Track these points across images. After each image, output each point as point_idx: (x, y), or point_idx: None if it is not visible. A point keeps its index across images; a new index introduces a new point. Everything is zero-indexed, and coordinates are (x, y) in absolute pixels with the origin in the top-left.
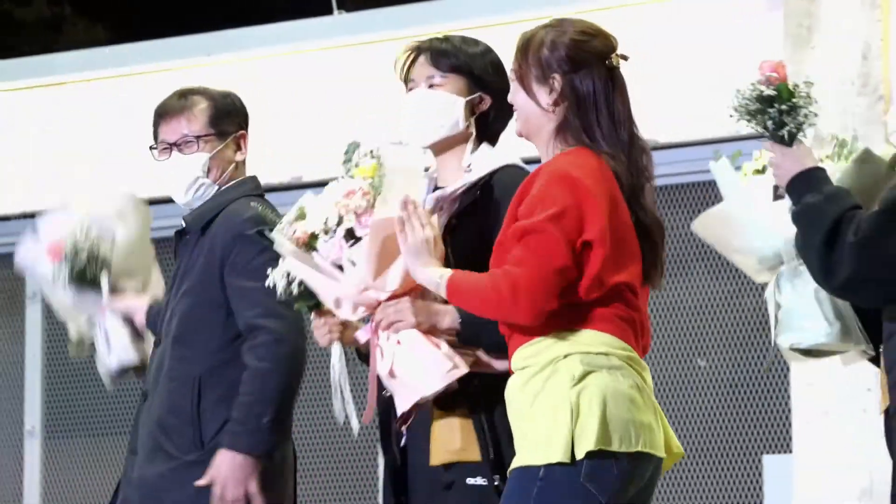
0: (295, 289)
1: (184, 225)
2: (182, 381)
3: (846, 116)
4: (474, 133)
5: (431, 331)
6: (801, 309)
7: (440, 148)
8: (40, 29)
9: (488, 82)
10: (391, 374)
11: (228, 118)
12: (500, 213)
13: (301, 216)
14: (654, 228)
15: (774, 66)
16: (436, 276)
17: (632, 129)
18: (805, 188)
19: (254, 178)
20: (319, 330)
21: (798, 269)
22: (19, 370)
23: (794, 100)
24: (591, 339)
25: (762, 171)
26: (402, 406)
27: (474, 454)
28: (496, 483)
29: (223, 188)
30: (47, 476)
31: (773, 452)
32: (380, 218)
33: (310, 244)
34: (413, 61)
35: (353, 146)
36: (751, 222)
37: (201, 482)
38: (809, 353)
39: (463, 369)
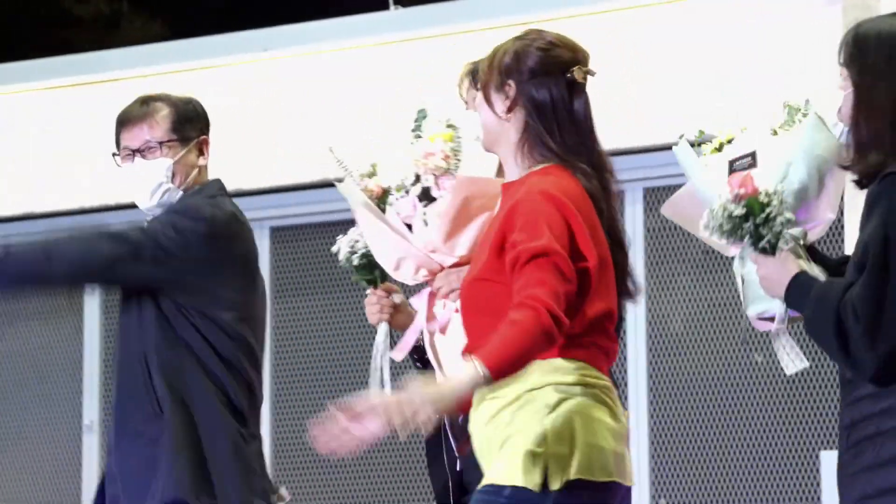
0: (356, 260)
1: None
2: (131, 363)
3: None
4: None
5: None
6: None
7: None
8: (98, 25)
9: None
10: (446, 342)
11: (190, 124)
12: None
13: (372, 173)
14: (624, 243)
15: (742, 180)
16: (470, 374)
17: (594, 143)
18: (799, 302)
19: (217, 181)
20: (371, 307)
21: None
22: (78, 366)
23: (767, 210)
24: (565, 368)
25: (719, 149)
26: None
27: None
28: None
29: (187, 193)
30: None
31: (831, 448)
32: (467, 176)
33: (382, 198)
34: (462, 83)
35: (422, 114)
36: (713, 199)
37: None
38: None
39: None
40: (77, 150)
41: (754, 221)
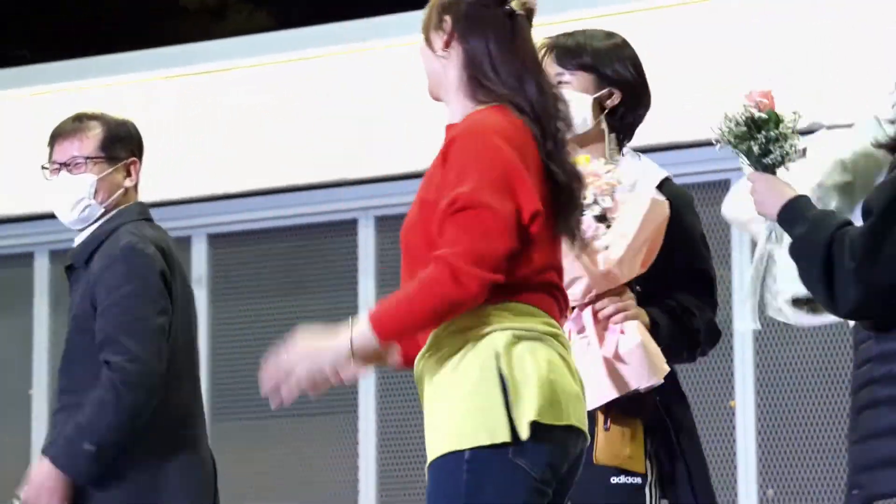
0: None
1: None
2: (69, 412)
3: None
4: (607, 129)
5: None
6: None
7: (574, 145)
8: (204, 16)
9: (618, 77)
10: (613, 359)
11: (121, 144)
12: (679, 224)
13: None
14: (573, 184)
15: (764, 93)
16: (358, 329)
17: (539, 77)
18: (792, 220)
19: (140, 205)
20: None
21: None
22: None
23: (781, 127)
24: (516, 312)
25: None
26: (608, 396)
27: (640, 466)
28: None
29: (109, 215)
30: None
31: None
32: (652, 198)
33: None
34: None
35: None
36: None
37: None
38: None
39: (665, 369)
40: (186, 140)
41: (766, 134)
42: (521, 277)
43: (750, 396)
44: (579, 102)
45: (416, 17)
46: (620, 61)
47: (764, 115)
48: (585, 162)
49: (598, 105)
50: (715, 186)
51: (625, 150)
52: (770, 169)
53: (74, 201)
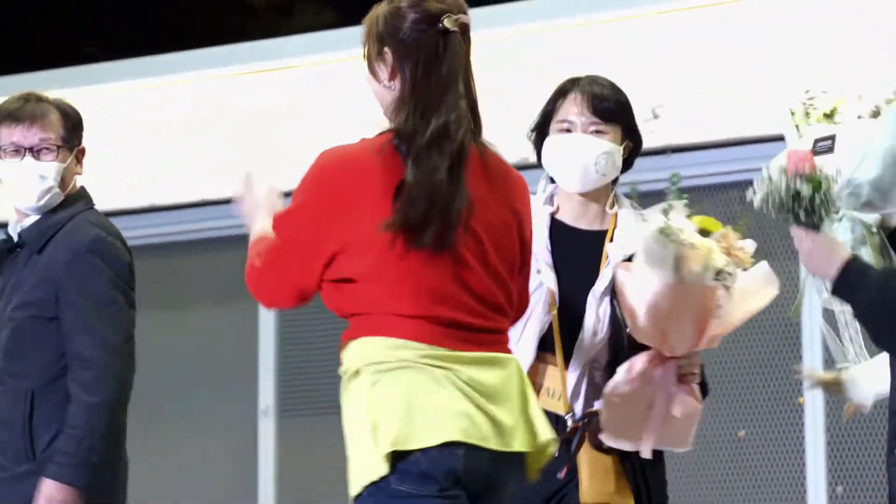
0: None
1: (15, 240)
2: (14, 396)
3: None
4: (619, 176)
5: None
6: None
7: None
8: (271, 13)
9: (632, 129)
10: (672, 417)
11: (76, 131)
12: None
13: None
14: (437, 205)
15: (803, 157)
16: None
17: (457, 95)
18: (855, 284)
19: (86, 191)
20: None
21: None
22: (253, 351)
23: (824, 190)
24: (375, 347)
25: (831, 115)
26: (648, 450)
27: (627, 498)
28: None
29: (65, 202)
30: (281, 455)
31: None
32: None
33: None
34: (563, 99)
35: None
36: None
37: None
38: None
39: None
40: (254, 136)
41: (811, 197)
42: (376, 312)
43: (819, 393)
44: (616, 153)
45: (489, 12)
46: (632, 115)
47: (807, 186)
48: (717, 228)
49: (623, 155)
50: (717, 188)
51: (618, 190)
52: (815, 227)
53: (45, 189)
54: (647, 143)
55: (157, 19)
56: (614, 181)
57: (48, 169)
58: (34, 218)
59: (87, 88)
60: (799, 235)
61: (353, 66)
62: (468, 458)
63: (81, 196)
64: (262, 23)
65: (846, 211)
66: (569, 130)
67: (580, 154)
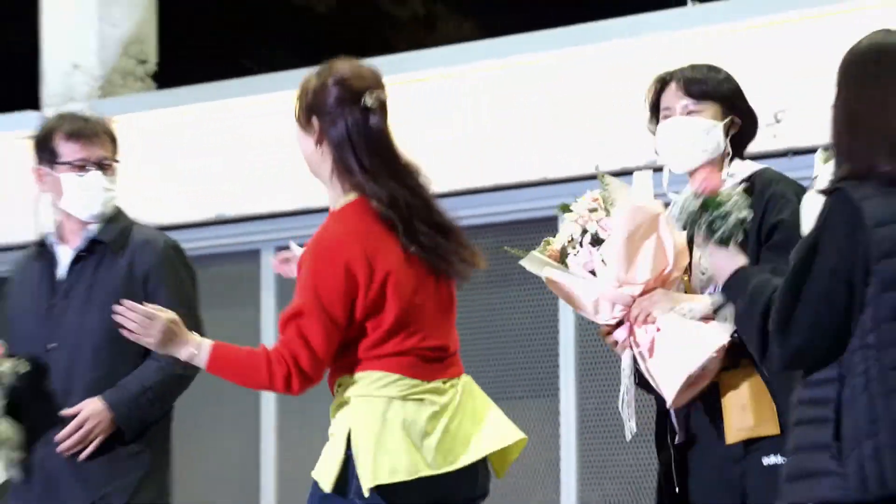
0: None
1: (83, 246)
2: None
3: None
4: (731, 153)
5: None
6: None
7: (699, 169)
8: (415, 26)
9: (736, 105)
10: (655, 362)
11: (117, 150)
12: (761, 203)
13: (546, 244)
14: (437, 249)
15: (705, 177)
16: (199, 356)
17: (395, 159)
18: (735, 293)
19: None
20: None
21: None
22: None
23: (721, 208)
24: (371, 380)
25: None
26: (671, 392)
27: (772, 428)
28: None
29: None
30: (282, 454)
31: None
32: (629, 205)
33: (562, 259)
34: (662, 90)
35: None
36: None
37: (68, 411)
38: None
39: (725, 336)
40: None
41: (709, 216)
42: (374, 350)
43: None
44: (713, 129)
45: (603, 27)
46: (736, 90)
47: (698, 205)
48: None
49: (725, 131)
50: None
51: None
52: (723, 243)
53: (108, 198)
54: (769, 146)
55: (304, 34)
56: (728, 157)
57: (111, 181)
58: (95, 226)
59: (242, 100)
60: (710, 251)
61: (488, 76)
62: (461, 478)
63: (119, 209)
64: (407, 35)
65: None
66: (668, 117)
67: (677, 135)
